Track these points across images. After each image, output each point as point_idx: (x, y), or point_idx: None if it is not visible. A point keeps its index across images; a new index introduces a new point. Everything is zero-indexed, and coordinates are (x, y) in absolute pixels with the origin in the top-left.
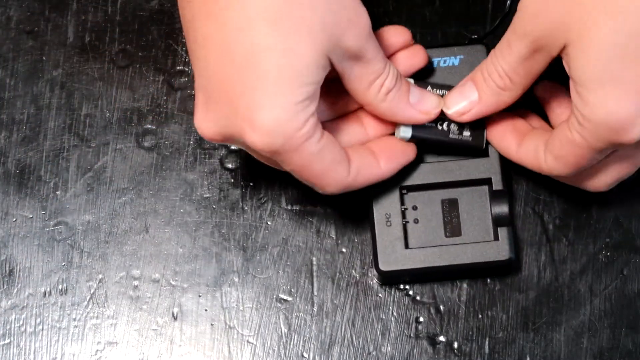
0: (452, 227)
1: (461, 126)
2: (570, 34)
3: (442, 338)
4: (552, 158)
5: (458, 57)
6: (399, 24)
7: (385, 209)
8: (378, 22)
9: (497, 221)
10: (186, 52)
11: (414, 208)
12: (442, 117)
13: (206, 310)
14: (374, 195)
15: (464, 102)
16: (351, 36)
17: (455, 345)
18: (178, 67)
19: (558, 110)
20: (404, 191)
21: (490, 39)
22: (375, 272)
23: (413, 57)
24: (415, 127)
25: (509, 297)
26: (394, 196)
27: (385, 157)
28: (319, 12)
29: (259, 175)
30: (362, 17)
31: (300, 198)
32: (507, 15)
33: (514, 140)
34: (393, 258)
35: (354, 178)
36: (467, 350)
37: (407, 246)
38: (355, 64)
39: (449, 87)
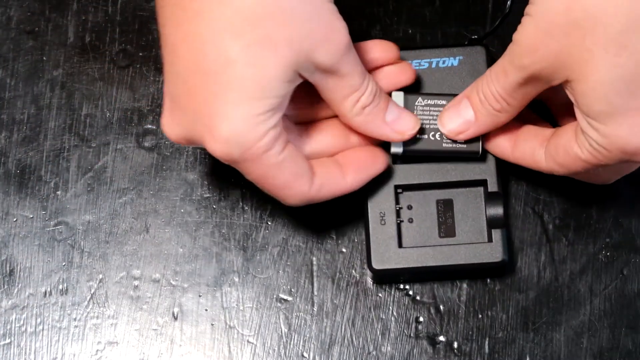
0: (447, 227)
1: None
2: (572, 72)
3: (442, 338)
4: (554, 163)
5: (457, 57)
6: (399, 24)
7: (380, 207)
8: (378, 22)
9: (492, 223)
10: None
11: (409, 207)
12: (433, 127)
13: (206, 310)
14: (369, 193)
15: (460, 121)
16: (324, 52)
17: (455, 345)
18: None
19: (562, 108)
20: (399, 190)
21: (490, 39)
22: (368, 270)
23: (400, 75)
24: (406, 141)
25: (509, 297)
26: (389, 195)
27: (353, 169)
28: (288, 26)
29: None
30: (338, 33)
31: None
32: (507, 15)
33: (508, 143)
34: (386, 257)
35: (316, 191)
36: (467, 350)
37: (400, 245)
38: (329, 77)
39: (440, 96)
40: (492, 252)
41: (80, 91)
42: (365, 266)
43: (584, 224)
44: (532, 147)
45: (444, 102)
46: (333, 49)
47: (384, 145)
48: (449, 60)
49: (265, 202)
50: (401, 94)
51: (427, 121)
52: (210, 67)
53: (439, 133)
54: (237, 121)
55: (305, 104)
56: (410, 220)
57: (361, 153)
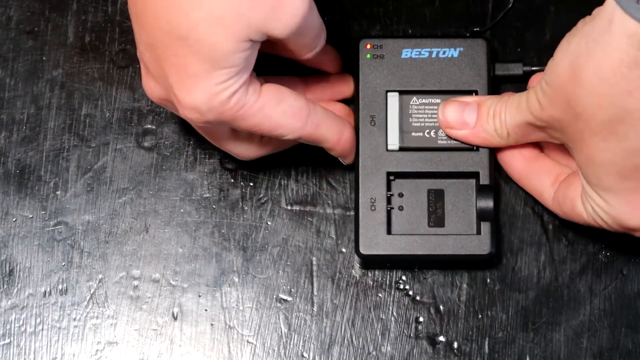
0: (436, 217)
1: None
2: (570, 142)
3: (442, 338)
4: (560, 210)
5: (458, 49)
6: (399, 24)
7: (371, 193)
8: (378, 22)
9: (481, 215)
10: None
11: (400, 195)
12: (428, 125)
13: (206, 310)
14: (361, 178)
15: (459, 118)
16: (275, 24)
17: (455, 345)
18: None
19: None
20: (392, 177)
21: (490, 34)
22: (355, 255)
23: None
24: (403, 138)
25: (509, 297)
26: (381, 181)
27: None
28: (234, 1)
29: (259, 175)
30: (290, 4)
31: (300, 198)
32: (510, 9)
33: (522, 167)
34: (374, 242)
35: (314, 128)
36: (467, 350)
37: (389, 232)
38: (287, 42)
39: (435, 94)
40: (480, 244)
41: (80, 91)
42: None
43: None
44: (542, 184)
45: (438, 100)
46: (285, 21)
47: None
48: (450, 51)
49: (265, 202)
50: (396, 94)
51: (423, 119)
52: (168, 41)
53: (434, 130)
54: (199, 93)
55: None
56: (401, 208)
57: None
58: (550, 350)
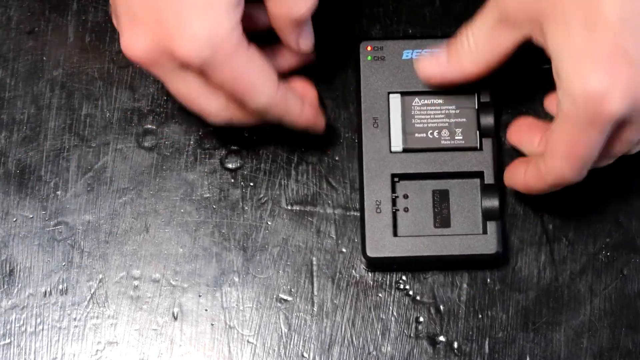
0: (442, 218)
1: (452, 131)
2: (543, 11)
3: (442, 338)
4: (550, 157)
5: None
6: (399, 24)
7: (376, 195)
8: (378, 22)
9: (487, 215)
10: None
11: (405, 197)
12: (431, 125)
13: (206, 310)
14: (366, 181)
15: (433, 62)
16: None
17: (455, 345)
18: None
19: None
20: (396, 179)
21: None
22: (362, 257)
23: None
24: (406, 139)
25: (509, 297)
26: (386, 183)
27: (308, 106)
28: None
29: (259, 175)
30: None
31: (300, 198)
32: None
33: (536, 139)
34: (381, 245)
35: (282, 96)
36: (467, 350)
37: (395, 234)
38: None
39: (436, 95)
40: (487, 243)
41: (80, 91)
42: (365, 266)
43: (584, 224)
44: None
45: (440, 100)
46: None
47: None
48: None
49: (266, 202)
50: (398, 95)
51: (425, 120)
52: None
53: (437, 131)
54: (203, 19)
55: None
56: (406, 210)
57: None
58: (550, 350)
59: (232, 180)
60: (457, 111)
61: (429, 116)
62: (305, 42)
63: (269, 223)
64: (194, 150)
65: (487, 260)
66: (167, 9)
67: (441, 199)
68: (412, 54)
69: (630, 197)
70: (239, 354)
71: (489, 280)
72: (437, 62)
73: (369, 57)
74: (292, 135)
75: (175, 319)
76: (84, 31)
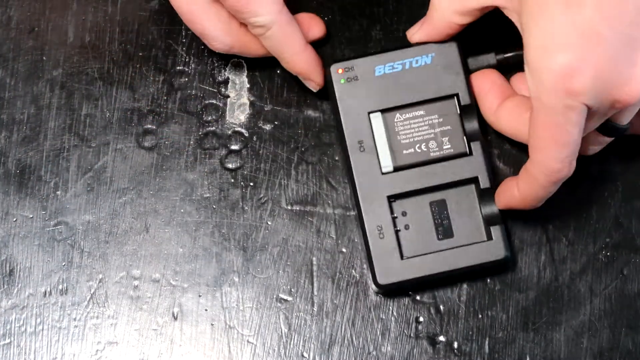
0: (444, 229)
1: (439, 142)
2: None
3: (442, 338)
4: (534, 151)
5: (430, 55)
6: (399, 24)
7: (376, 220)
8: (378, 22)
9: (489, 220)
10: (186, 51)
11: (404, 214)
12: (417, 139)
13: (206, 310)
14: (364, 207)
15: (417, 26)
16: None
17: (455, 345)
18: (178, 67)
19: None
20: (392, 200)
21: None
22: (374, 286)
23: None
24: (395, 157)
25: (509, 297)
26: (383, 206)
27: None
28: None
29: (259, 175)
30: None
31: (300, 198)
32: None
33: (496, 100)
34: (391, 270)
35: (287, 19)
36: (467, 350)
37: (402, 256)
38: None
39: (416, 106)
40: (494, 249)
41: (79, 91)
42: (365, 266)
43: (584, 224)
44: (518, 107)
45: (422, 112)
46: None
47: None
48: (422, 58)
49: (265, 202)
50: (378, 113)
51: (411, 134)
52: None
53: (424, 143)
54: None
55: None
56: (407, 227)
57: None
58: (550, 350)
59: (232, 180)
60: (440, 119)
61: (413, 130)
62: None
63: (269, 223)
64: (194, 150)
65: (498, 266)
66: None
67: (440, 210)
68: (384, 68)
69: (630, 197)
70: (239, 354)
71: (489, 280)
72: (420, 22)
73: (342, 80)
74: (292, 135)
75: (175, 319)
76: (84, 31)
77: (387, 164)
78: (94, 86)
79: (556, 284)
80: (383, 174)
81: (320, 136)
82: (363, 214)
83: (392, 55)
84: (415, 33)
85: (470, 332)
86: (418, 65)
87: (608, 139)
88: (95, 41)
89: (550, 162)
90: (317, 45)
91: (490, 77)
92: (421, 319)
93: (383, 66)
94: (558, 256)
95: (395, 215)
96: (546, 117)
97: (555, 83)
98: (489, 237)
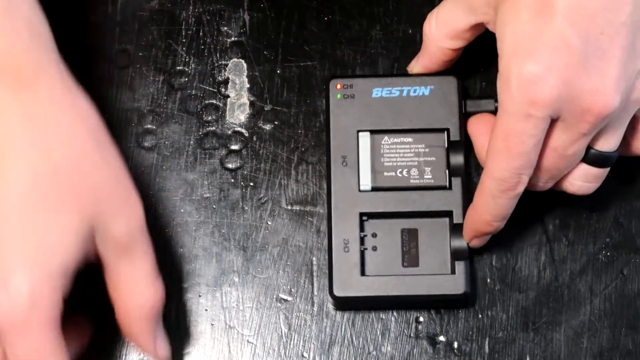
0: (410, 257)
1: (421, 170)
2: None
3: (442, 338)
4: (488, 157)
5: (429, 87)
6: (399, 24)
7: (344, 234)
8: (378, 22)
9: (455, 255)
10: (186, 52)
11: (374, 235)
12: (400, 164)
13: (206, 310)
14: (334, 219)
15: (416, 58)
16: (120, 222)
17: (455, 345)
18: (178, 67)
19: None
20: (365, 218)
21: (460, 69)
22: (329, 296)
23: None
24: (375, 178)
25: (509, 297)
26: (354, 222)
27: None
28: (79, 196)
29: (259, 175)
30: (136, 206)
31: (300, 198)
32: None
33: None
34: (348, 284)
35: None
36: (467, 350)
37: (363, 273)
38: (122, 258)
39: (406, 133)
40: (455, 284)
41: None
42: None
43: (584, 224)
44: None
45: (410, 139)
46: (131, 219)
47: None
48: (420, 89)
49: (265, 202)
50: (367, 133)
51: (395, 158)
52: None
53: (406, 170)
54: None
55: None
56: (374, 249)
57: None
58: (550, 350)
59: (232, 180)
60: (427, 150)
61: (398, 155)
62: (162, 345)
63: (269, 223)
64: (194, 150)
65: (455, 300)
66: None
67: (410, 238)
68: (382, 92)
69: (630, 197)
70: (239, 354)
71: (488, 280)
72: (417, 57)
73: (339, 95)
74: (292, 135)
75: (175, 319)
76: (83, 31)
77: (366, 182)
78: (94, 86)
79: (556, 284)
80: (360, 191)
81: (320, 136)
82: (332, 225)
83: (392, 80)
84: (414, 66)
85: (470, 332)
86: (415, 95)
87: (601, 172)
88: (95, 41)
89: (499, 170)
90: (317, 46)
91: (488, 121)
92: (421, 319)
93: (381, 89)
94: (558, 256)
95: (365, 233)
96: (505, 125)
97: (519, 90)
98: (453, 271)
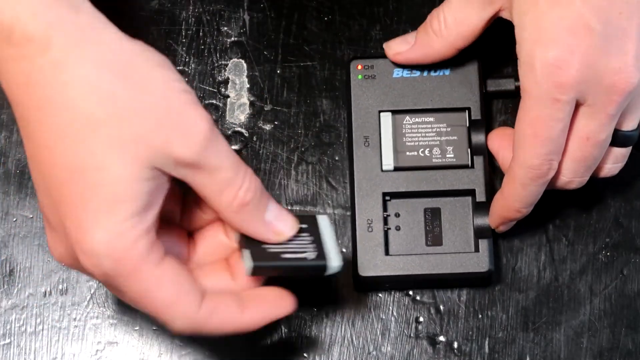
0: (434, 236)
1: (443, 150)
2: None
3: (442, 338)
4: (516, 147)
5: (449, 67)
6: (399, 24)
7: (368, 214)
8: (378, 22)
9: (479, 233)
10: (186, 51)
11: (397, 215)
12: (422, 144)
13: None
14: (357, 200)
15: (402, 44)
16: (180, 145)
17: (455, 345)
18: (178, 67)
19: None
20: (388, 198)
21: (481, 49)
22: (352, 277)
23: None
24: (397, 158)
25: (509, 297)
26: (377, 202)
27: (254, 306)
28: (132, 124)
29: (259, 175)
30: (195, 124)
31: (300, 198)
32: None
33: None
34: (372, 264)
35: (206, 317)
36: (467, 350)
37: (387, 253)
38: (196, 172)
39: (427, 112)
40: (479, 262)
41: None
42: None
43: (584, 224)
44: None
45: (431, 119)
46: (191, 141)
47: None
48: (441, 69)
49: None
50: (389, 113)
51: (417, 138)
52: (63, 177)
53: (428, 149)
54: (99, 232)
55: (189, 207)
56: (398, 228)
57: (265, 292)
58: (550, 350)
59: None
60: (449, 129)
61: (420, 134)
62: (275, 225)
63: None
64: None
65: (479, 278)
66: (68, 216)
67: (433, 217)
68: (402, 72)
69: (630, 197)
70: (239, 353)
71: None
72: (405, 43)
73: (360, 76)
74: (292, 135)
75: None
76: None
77: (388, 162)
78: None
79: (556, 284)
80: (383, 171)
81: (320, 136)
82: (356, 206)
83: None
84: (398, 54)
85: (470, 332)
86: (436, 75)
87: (623, 152)
88: None
89: (529, 158)
90: (317, 46)
91: (508, 135)
92: (421, 319)
93: (402, 70)
94: (558, 256)
95: (388, 213)
96: (531, 111)
97: (544, 76)
98: (476, 249)
